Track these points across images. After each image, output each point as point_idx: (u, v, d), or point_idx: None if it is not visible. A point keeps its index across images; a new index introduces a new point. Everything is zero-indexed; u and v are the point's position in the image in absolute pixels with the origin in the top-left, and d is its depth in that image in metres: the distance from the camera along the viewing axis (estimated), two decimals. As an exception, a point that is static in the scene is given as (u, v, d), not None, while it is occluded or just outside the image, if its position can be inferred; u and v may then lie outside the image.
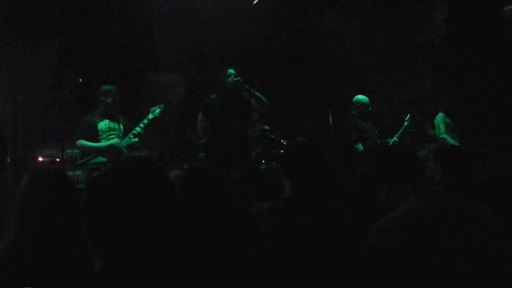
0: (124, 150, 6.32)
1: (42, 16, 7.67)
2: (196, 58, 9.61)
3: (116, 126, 6.41)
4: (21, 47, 8.90)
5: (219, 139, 6.23)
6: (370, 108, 7.74)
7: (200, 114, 6.49)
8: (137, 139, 6.43)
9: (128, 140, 6.34)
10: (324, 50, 10.46)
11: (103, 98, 6.37)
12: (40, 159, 7.70)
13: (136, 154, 7.13)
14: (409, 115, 8.20)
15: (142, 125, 6.43)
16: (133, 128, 6.46)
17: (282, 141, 8.48)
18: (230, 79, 6.26)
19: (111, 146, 6.21)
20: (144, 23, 9.34)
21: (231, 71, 6.35)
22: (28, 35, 8.65)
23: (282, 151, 8.20)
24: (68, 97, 6.55)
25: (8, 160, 7.72)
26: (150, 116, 6.53)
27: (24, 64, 8.99)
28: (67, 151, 7.10)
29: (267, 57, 10.29)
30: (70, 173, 6.70)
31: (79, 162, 6.44)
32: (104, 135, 6.30)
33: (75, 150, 6.92)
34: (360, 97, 7.80)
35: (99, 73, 8.42)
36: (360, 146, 7.40)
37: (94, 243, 1.53)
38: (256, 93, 6.27)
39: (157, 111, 6.60)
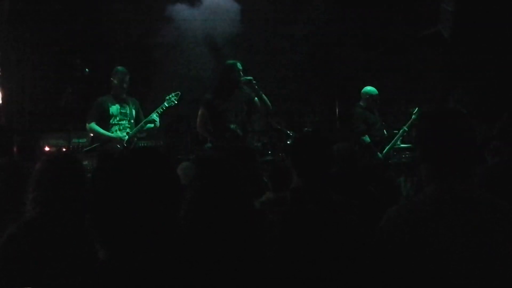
0: (135, 139, 6.34)
1: (48, 9, 7.68)
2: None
3: (128, 111, 6.41)
4: (27, 39, 8.92)
5: (223, 133, 6.12)
6: (378, 101, 7.69)
7: (201, 110, 6.29)
8: (152, 125, 6.41)
9: (140, 128, 6.35)
10: (331, 42, 10.41)
11: (112, 79, 6.41)
12: (47, 148, 7.72)
13: (142, 144, 7.12)
14: (417, 108, 8.12)
15: (156, 114, 6.40)
16: (147, 114, 6.46)
17: (288, 132, 8.46)
18: (240, 76, 6.12)
19: (120, 139, 6.23)
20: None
21: (239, 66, 6.18)
22: (35, 27, 8.67)
23: (288, 142, 8.19)
24: (75, 87, 6.55)
25: (15, 149, 7.73)
26: (166, 104, 6.46)
27: (30, 56, 9.01)
28: (74, 140, 7.11)
29: (274, 50, 10.26)
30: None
31: (87, 148, 6.44)
32: (115, 120, 6.32)
33: (82, 140, 6.94)
34: (369, 88, 7.74)
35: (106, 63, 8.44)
36: (367, 138, 7.35)
37: (98, 232, 1.52)
38: (263, 95, 6.19)
39: (173, 98, 6.52)
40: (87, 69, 6.53)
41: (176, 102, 6.53)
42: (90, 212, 1.54)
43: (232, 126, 6.05)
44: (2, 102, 7.36)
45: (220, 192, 2.63)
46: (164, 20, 9.00)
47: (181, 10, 8.91)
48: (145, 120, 6.38)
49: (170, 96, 6.53)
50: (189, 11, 8.96)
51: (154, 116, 6.36)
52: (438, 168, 2.09)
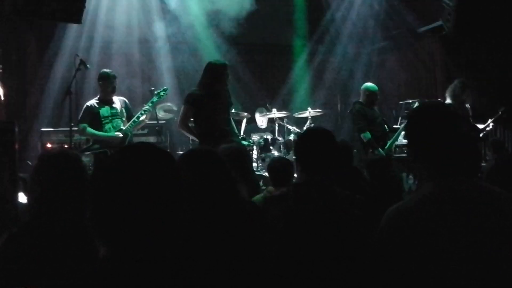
0: (129, 134, 6.37)
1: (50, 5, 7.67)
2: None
3: (118, 111, 6.49)
4: (29, 35, 8.92)
5: (213, 132, 5.90)
6: (378, 97, 7.67)
7: (184, 107, 6.00)
8: (142, 120, 6.52)
9: (133, 123, 6.41)
10: (333, 37, 10.42)
11: (100, 83, 6.48)
12: (49, 145, 7.73)
13: (143, 140, 7.14)
14: (417, 102, 8.11)
15: (146, 108, 6.50)
16: (137, 110, 6.56)
17: (290, 127, 8.47)
18: (228, 76, 6.02)
19: (115, 137, 6.28)
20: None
21: (227, 66, 6.04)
22: (37, 24, 8.67)
23: (289, 138, 8.20)
24: (76, 83, 6.57)
25: (17, 146, 7.72)
26: (155, 99, 6.58)
27: (32, 52, 9.01)
28: (75, 137, 7.13)
29: (276, 43, 10.27)
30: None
31: (85, 147, 6.51)
32: (107, 120, 6.38)
33: (83, 137, 6.99)
34: (368, 85, 7.72)
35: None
36: (367, 135, 7.30)
37: (99, 230, 1.51)
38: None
39: (162, 93, 6.67)
40: (88, 66, 6.55)
41: (164, 97, 6.76)
42: (90, 210, 1.52)
43: (221, 125, 5.96)
44: (3, 99, 7.36)
45: (209, 187, 2.58)
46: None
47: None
48: (135, 116, 6.47)
49: (159, 91, 6.67)
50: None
51: (143, 112, 6.48)
52: (431, 166, 2.08)
